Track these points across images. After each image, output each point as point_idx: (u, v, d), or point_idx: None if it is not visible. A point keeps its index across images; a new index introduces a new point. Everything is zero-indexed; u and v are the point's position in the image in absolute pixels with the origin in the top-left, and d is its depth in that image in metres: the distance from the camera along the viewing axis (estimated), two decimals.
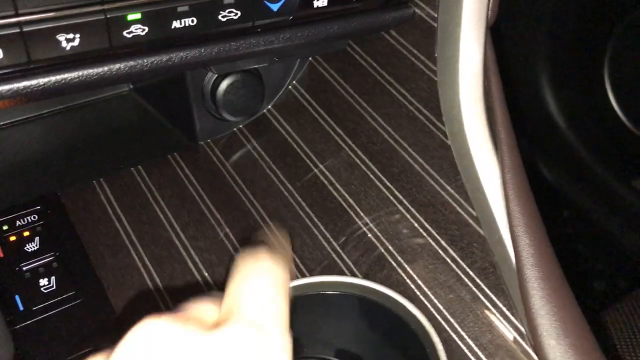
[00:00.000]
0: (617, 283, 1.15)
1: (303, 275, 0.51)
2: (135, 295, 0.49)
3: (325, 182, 0.57)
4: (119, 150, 0.61)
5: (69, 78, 0.40)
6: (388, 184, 0.56)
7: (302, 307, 0.52)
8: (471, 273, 0.50)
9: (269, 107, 0.64)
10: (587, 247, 1.20)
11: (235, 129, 0.63)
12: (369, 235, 0.53)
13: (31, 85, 0.39)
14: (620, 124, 1.15)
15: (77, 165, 0.59)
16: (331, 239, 0.53)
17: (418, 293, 0.50)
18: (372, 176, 0.56)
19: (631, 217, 1.14)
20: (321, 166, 0.58)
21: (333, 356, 0.57)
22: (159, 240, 0.53)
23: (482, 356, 0.46)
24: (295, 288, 0.51)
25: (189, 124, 0.61)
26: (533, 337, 0.44)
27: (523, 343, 0.46)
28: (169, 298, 0.49)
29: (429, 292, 0.50)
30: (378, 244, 0.53)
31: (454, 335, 0.47)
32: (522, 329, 0.46)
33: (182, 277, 0.51)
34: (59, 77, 0.40)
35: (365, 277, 0.51)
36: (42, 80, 0.39)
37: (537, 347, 0.44)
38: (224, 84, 0.58)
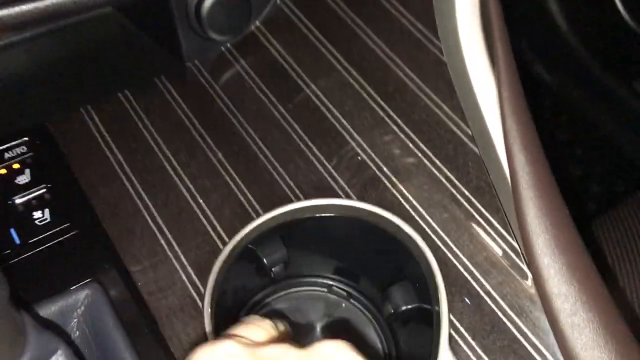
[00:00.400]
0: (615, 186, 1.16)
1: (298, 199, 0.51)
2: (130, 224, 0.49)
3: (318, 102, 0.56)
4: (104, 74, 0.59)
5: (42, 6, 0.38)
6: (382, 103, 0.54)
7: (299, 230, 0.52)
8: (466, 192, 0.49)
9: (257, 24, 0.61)
10: (585, 150, 1.20)
11: (223, 48, 0.61)
12: (363, 156, 0.52)
13: (2, 15, 0.37)
14: (623, 24, 1.12)
15: (62, 93, 0.58)
16: (325, 161, 0.53)
17: (413, 213, 0.50)
18: (365, 95, 0.55)
19: (631, 119, 1.13)
20: (313, 86, 0.57)
21: (331, 274, 0.58)
22: (151, 168, 0.52)
23: (476, 274, 0.47)
24: (292, 212, 0.51)
25: (175, 45, 0.59)
26: (528, 255, 0.45)
27: (518, 260, 0.46)
28: (165, 226, 0.50)
29: (423, 212, 0.50)
30: (372, 165, 0.52)
31: (449, 254, 0.48)
32: (517, 247, 0.47)
33: (177, 204, 0.51)
34: (30, 5, 0.37)
35: (360, 198, 0.51)
36: (13, 11, 0.37)
37: (532, 265, 0.44)
38: (208, 1, 0.56)
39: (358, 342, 0.57)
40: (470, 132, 0.50)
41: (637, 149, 1.14)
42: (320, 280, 0.58)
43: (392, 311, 0.51)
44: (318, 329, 0.58)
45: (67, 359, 0.36)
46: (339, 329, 0.58)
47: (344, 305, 0.59)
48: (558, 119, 1.21)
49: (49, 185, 0.50)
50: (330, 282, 0.59)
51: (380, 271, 0.54)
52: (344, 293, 0.59)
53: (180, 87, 0.58)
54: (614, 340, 0.40)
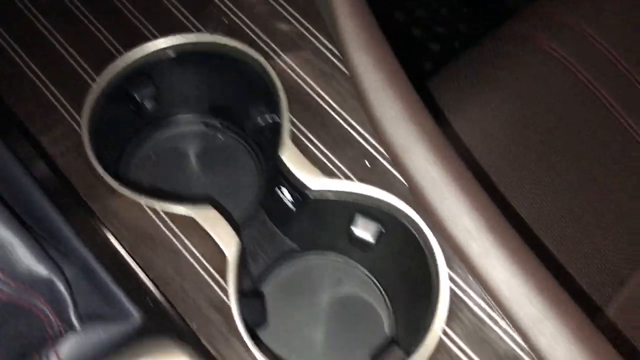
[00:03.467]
0: (452, 45, 1.22)
1: (155, 37, 0.57)
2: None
3: None
4: None
5: None
6: None
7: (163, 69, 0.59)
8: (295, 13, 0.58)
9: None
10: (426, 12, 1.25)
11: None
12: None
13: None
14: None
15: None
16: None
17: (254, 37, 0.58)
18: None
19: None
20: None
21: (203, 110, 0.65)
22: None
23: (311, 82, 0.56)
24: (154, 51, 0.57)
25: None
26: (344, 57, 0.53)
27: (340, 65, 0.56)
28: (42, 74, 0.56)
29: (263, 36, 0.58)
30: None
31: (288, 70, 0.56)
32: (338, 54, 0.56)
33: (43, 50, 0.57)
34: None
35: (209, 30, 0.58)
36: None
37: (348, 66, 0.53)
38: None
39: (233, 166, 0.64)
40: None
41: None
42: (192, 117, 0.65)
43: (252, 126, 0.60)
44: (192, 159, 0.65)
45: None
46: (216, 160, 0.65)
47: (220, 136, 0.66)
48: None
49: None
50: (204, 119, 0.65)
51: (241, 97, 0.62)
52: (219, 125, 0.65)
53: None
54: (408, 113, 0.50)
